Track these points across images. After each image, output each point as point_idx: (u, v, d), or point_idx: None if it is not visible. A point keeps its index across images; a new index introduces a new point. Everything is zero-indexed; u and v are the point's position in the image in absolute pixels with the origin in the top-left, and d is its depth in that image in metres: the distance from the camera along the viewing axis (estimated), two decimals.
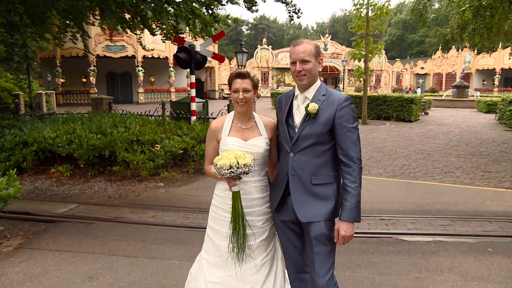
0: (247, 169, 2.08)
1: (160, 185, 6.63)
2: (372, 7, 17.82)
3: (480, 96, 34.21)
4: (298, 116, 2.26)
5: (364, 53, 18.13)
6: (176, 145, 7.08)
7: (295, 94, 2.31)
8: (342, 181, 2.18)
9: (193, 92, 8.66)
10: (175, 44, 11.55)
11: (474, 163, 8.82)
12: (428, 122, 19.19)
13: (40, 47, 28.81)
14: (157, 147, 7.10)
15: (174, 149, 6.99)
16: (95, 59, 31.33)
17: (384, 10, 17.84)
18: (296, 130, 2.23)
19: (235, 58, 21.35)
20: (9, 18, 9.85)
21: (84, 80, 33.61)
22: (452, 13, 11.53)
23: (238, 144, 2.30)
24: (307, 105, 2.17)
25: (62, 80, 32.40)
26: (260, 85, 46.46)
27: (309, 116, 2.16)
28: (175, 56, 8.44)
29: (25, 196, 5.97)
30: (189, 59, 8.53)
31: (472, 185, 6.90)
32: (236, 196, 2.20)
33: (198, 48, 8.76)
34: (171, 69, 35.00)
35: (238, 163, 2.07)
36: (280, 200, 2.30)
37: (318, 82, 2.26)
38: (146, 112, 10.07)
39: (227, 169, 2.07)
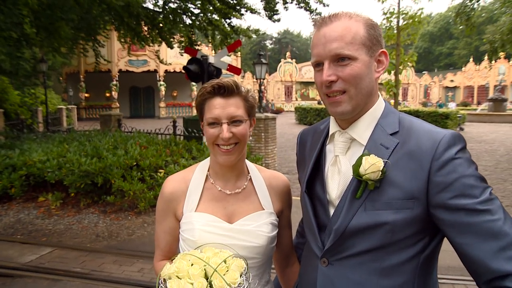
0: None
1: None
2: (404, 15, 16.64)
3: None
4: (335, 180, 1.08)
5: (394, 65, 16.93)
6: None
7: (330, 132, 1.14)
8: None
9: None
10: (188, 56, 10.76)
11: None
12: (466, 139, 17.28)
13: (64, 62, 29.10)
14: (160, 173, 6.12)
15: None
16: (118, 73, 31.27)
17: (417, 19, 16.68)
18: (333, 213, 1.06)
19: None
20: (18, 31, 9.29)
21: (107, 94, 33.58)
22: (506, 15, 10.13)
23: (215, 230, 1.19)
24: (359, 161, 1.00)
25: (86, 95, 32.52)
26: (283, 99, 45.51)
27: (363, 187, 1.00)
28: (184, 68, 7.52)
29: (1, 232, 5.09)
30: (201, 72, 7.59)
31: None
32: None
33: (211, 60, 7.84)
34: (193, 83, 34.50)
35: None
36: None
37: (380, 104, 1.10)
38: (155, 130, 9.17)
39: None
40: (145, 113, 34.85)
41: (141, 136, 7.85)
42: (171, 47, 13.31)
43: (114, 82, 31.30)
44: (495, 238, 0.88)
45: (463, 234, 0.92)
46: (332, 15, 1.04)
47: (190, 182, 1.28)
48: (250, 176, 1.32)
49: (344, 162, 1.08)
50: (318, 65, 1.04)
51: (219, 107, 1.17)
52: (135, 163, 6.08)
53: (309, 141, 1.24)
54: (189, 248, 1.21)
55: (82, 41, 11.78)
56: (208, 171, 1.30)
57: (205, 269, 0.97)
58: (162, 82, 32.60)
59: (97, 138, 7.42)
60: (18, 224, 5.43)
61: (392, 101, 18.95)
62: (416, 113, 18.76)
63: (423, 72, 60.77)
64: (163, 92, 32.96)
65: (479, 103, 44.49)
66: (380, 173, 0.97)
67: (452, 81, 56.76)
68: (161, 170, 6.21)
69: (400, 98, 48.92)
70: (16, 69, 9.80)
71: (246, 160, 1.35)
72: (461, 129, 21.91)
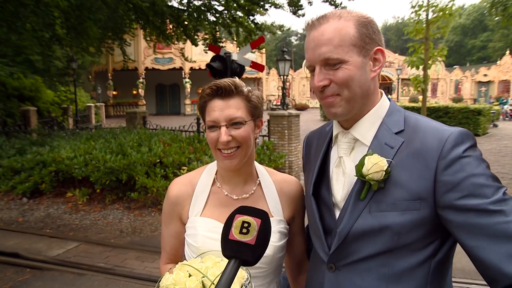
0: None
1: None
2: (433, 8, 16.04)
3: None
4: (340, 182, 1.05)
5: (423, 59, 16.37)
6: None
7: (334, 134, 1.11)
8: None
9: None
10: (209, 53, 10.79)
11: None
12: (500, 136, 16.81)
13: (93, 61, 29.94)
14: (183, 170, 6.17)
15: None
16: (144, 71, 31.86)
17: (447, 12, 16.05)
18: (338, 216, 1.02)
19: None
20: (51, 32, 9.60)
21: (134, 92, 34.28)
22: None
23: (219, 237, 1.10)
24: (361, 161, 0.96)
25: (114, 93, 33.34)
26: (308, 96, 44.99)
27: (367, 188, 0.96)
28: (208, 65, 7.54)
29: (32, 226, 5.27)
30: (223, 69, 7.59)
31: None
32: None
33: (234, 57, 7.83)
34: (187, 79, 34.36)
35: None
36: None
37: (385, 102, 1.06)
38: (180, 127, 9.26)
39: None
40: (171, 110, 35.35)
41: (165, 134, 7.95)
42: (196, 45, 13.41)
43: (141, 80, 31.89)
44: (510, 240, 0.81)
45: (474, 236, 0.85)
46: (320, 17, 1.00)
47: (197, 185, 1.24)
48: (259, 180, 1.26)
49: (348, 163, 1.04)
50: (312, 70, 1.01)
51: (217, 109, 1.11)
52: (158, 160, 6.16)
53: (315, 144, 1.20)
54: (193, 254, 1.18)
55: (109, 40, 12.04)
56: (215, 174, 1.26)
57: (202, 281, 0.91)
58: (187, 80, 32.93)
59: (122, 136, 7.56)
60: (48, 218, 5.62)
61: (421, 97, 18.37)
62: (446, 109, 18.09)
63: (454, 66, 58.59)
64: (189, 89, 33.28)
65: None
66: (384, 173, 0.93)
67: (485, 75, 54.37)
68: (184, 167, 6.26)
69: (429, 94, 47.43)
70: (48, 67, 10.10)
71: (256, 164, 1.29)
72: (495, 125, 21.03)
